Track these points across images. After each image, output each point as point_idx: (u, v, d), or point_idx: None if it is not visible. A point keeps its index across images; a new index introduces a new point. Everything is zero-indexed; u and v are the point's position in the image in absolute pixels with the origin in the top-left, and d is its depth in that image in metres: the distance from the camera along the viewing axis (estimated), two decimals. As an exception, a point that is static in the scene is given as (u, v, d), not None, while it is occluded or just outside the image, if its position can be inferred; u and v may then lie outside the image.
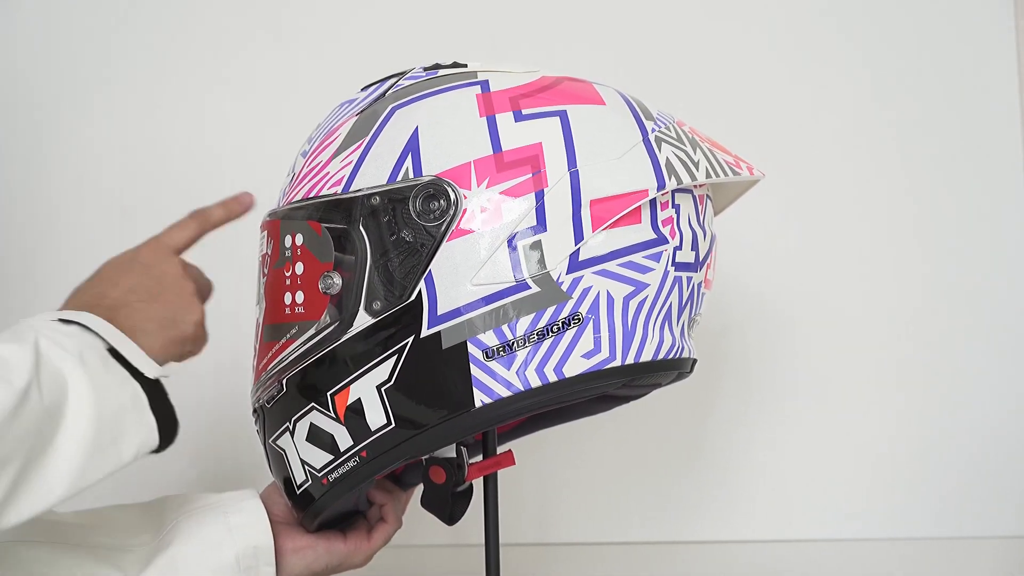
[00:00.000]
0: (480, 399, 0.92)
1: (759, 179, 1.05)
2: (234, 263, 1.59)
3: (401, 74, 1.04)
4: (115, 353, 0.91)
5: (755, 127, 1.59)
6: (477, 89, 0.98)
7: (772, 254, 1.58)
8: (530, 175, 0.92)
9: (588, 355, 0.93)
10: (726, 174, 1.00)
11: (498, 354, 0.92)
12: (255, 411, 1.07)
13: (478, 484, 1.09)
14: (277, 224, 1.02)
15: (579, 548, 1.55)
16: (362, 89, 1.05)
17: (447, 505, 1.05)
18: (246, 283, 1.55)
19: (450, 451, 1.03)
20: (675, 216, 0.98)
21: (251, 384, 1.07)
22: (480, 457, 1.11)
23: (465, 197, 0.92)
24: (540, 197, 0.92)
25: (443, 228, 0.92)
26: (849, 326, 1.57)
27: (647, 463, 1.57)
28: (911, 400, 1.56)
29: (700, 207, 1.02)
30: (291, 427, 1.00)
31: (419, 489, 1.14)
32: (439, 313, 0.92)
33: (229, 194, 1.13)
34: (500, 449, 1.13)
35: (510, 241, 0.92)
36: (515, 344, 0.92)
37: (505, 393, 0.92)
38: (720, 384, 1.56)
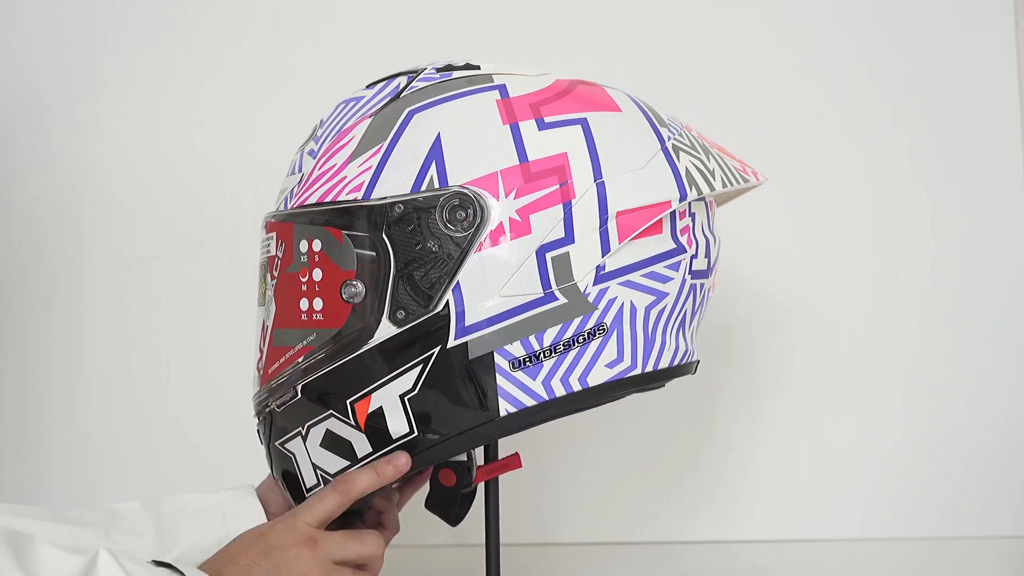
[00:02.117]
0: (505, 408, 0.93)
1: (761, 184, 1.06)
2: (236, 262, 1.59)
3: (412, 73, 1.03)
4: None
5: (757, 126, 1.59)
6: (496, 94, 0.97)
7: (774, 253, 1.58)
8: (557, 186, 0.92)
9: (611, 364, 0.94)
10: (739, 182, 1.01)
11: (524, 364, 0.92)
12: (259, 414, 1.06)
13: (479, 485, 1.09)
14: (289, 227, 1.00)
15: (579, 548, 1.54)
16: (367, 87, 1.04)
17: (454, 507, 1.05)
18: (248, 283, 1.56)
19: (460, 454, 1.03)
20: (691, 225, 0.99)
21: (255, 386, 1.06)
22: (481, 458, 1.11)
23: (493, 208, 0.92)
24: (568, 208, 0.92)
25: (471, 238, 0.92)
26: (850, 327, 1.58)
27: (647, 463, 1.57)
28: (912, 400, 1.57)
29: (710, 213, 1.03)
30: (304, 432, 0.99)
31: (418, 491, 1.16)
32: (467, 324, 0.92)
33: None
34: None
35: (538, 252, 0.92)
36: (542, 355, 0.92)
37: (531, 403, 0.93)
38: (721, 384, 1.57)
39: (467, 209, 0.92)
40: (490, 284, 0.92)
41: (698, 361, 1.05)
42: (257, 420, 1.07)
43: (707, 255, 1.01)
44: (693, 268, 0.99)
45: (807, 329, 1.58)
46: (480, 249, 0.92)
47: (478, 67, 1.03)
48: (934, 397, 1.57)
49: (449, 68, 1.03)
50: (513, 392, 0.92)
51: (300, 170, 1.04)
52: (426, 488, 1.07)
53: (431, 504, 1.06)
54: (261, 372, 1.04)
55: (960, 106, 1.61)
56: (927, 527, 1.55)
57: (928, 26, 1.61)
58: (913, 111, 1.60)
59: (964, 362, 1.57)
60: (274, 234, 1.02)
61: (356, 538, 0.96)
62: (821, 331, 1.58)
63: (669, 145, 0.98)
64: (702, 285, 1.01)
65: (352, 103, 1.03)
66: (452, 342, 0.92)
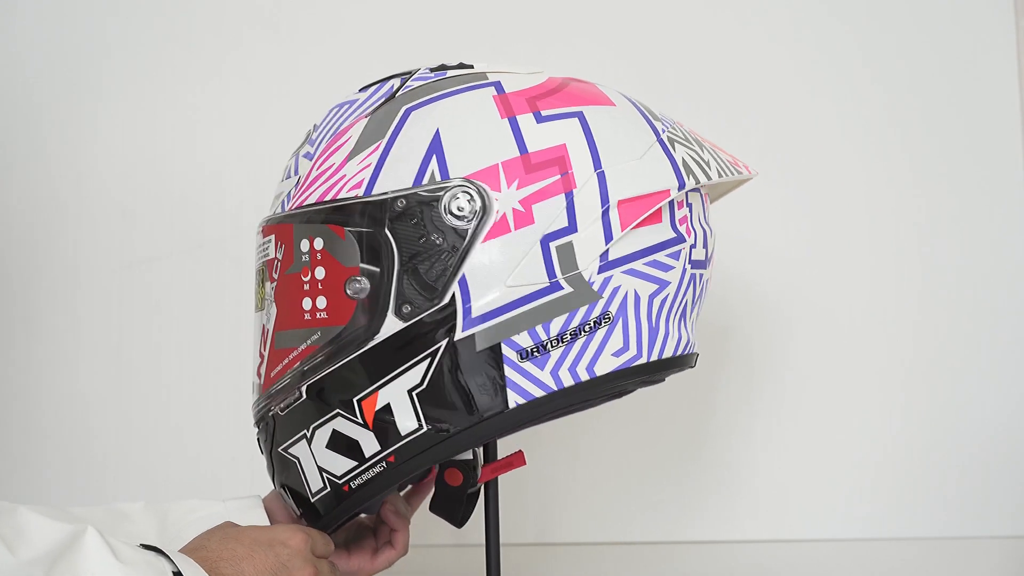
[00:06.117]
0: (514, 400, 0.93)
1: (752, 177, 1.07)
2: (236, 262, 1.59)
3: (405, 74, 1.03)
4: None
5: (756, 125, 1.60)
6: (492, 90, 0.98)
7: (773, 252, 1.59)
8: (559, 176, 0.93)
9: (618, 353, 0.94)
10: (733, 173, 1.02)
11: (532, 355, 0.92)
12: (259, 422, 1.05)
13: (481, 485, 1.09)
14: (289, 228, 1.00)
15: (579, 548, 1.55)
16: (360, 90, 1.04)
17: (460, 507, 1.05)
18: (248, 283, 1.56)
19: (465, 453, 1.03)
20: (689, 215, 1.00)
21: (255, 394, 1.05)
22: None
23: (496, 199, 0.92)
24: (570, 198, 0.93)
25: (475, 230, 0.92)
26: (850, 326, 1.58)
27: (647, 463, 1.57)
28: (912, 400, 1.57)
29: (705, 205, 1.05)
30: (309, 434, 0.99)
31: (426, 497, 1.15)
32: (474, 316, 0.92)
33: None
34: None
35: (543, 242, 0.92)
36: (549, 344, 0.92)
37: (539, 393, 0.93)
38: (721, 383, 1.57)
39: (470, 201, 0.92)
40: (496, 275, 0.92)
41: (698, 354, 1.05)
42: (257, 429, 1.06)
43: (705, 245, 1.02)
44: (693, 258, 1.00)
45: (806, 329, 1.58)
46: (484, 240, 0.92)
47: (471, 66, 1.04)
48: (934, 396, 1.57)
49: (443, 68, 1.04)
50: (521, 383, 0.92)
51: (296, 173, 1.03)
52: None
53: (436, 506, 1.06)
54: (262, 377, 1.03)
55: (960, 106, 1.61)
56: (927, 527, 1.55)
57: (928, 26, 1.62)
58: (913, 111, 1.61)
59: (964, 361, 1.58)
60: (272, 236, 1.02)
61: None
62: (820, 331, 1.58)
63: (664, 137, 0.99)
64: (701, 275, 1.02)
65: (346, 106, 1.04)
66: (460, 334, 0.92)
